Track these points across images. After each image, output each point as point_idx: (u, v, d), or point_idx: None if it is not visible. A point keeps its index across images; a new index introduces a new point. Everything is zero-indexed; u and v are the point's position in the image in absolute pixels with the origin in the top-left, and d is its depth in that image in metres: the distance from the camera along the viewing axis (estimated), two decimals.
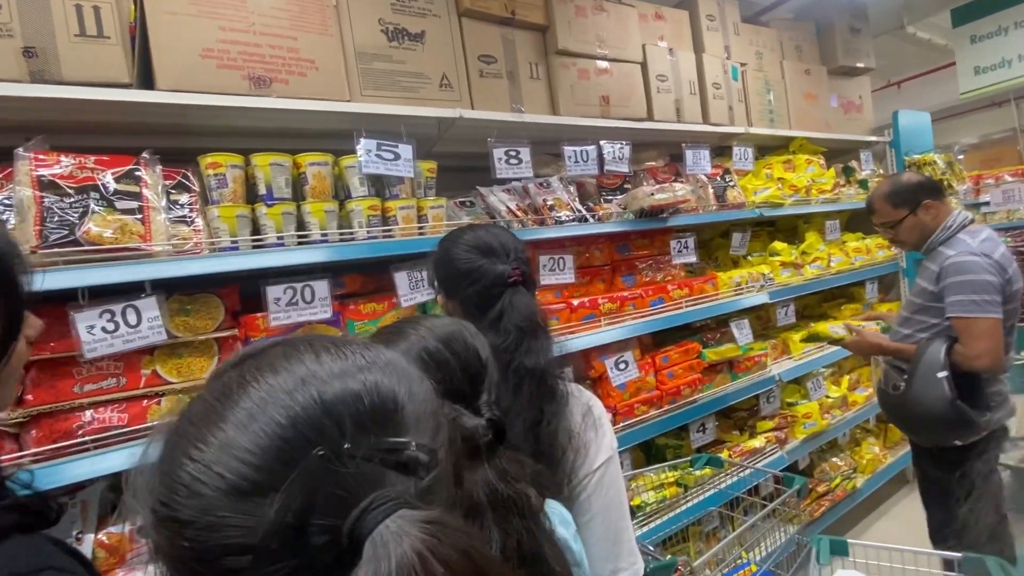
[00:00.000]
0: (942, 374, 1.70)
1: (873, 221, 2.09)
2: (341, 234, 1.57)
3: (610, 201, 2.31)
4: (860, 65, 3.45)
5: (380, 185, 1.69)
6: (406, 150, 1.64)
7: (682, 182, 2.41)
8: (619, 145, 2.19)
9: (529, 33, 2.01)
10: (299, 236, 1.51)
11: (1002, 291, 1.73)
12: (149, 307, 1.27)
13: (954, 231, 1.88)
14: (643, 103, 2.28)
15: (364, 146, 1.58)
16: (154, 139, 1.47)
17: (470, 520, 0.59)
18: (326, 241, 1.53)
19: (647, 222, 2.24)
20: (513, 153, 1.89)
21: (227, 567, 0.32)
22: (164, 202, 1.38)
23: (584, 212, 2.12)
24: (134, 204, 1.31)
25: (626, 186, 2.40)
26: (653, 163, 2.53)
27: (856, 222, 3.62)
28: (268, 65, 1.45)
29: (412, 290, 1.67)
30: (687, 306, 2.35)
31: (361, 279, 1.74)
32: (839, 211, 3.26)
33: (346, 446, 0.34)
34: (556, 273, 2.01)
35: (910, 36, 4.33)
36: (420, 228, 1.70)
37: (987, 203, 6.10)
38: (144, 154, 1.37)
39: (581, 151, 2.08)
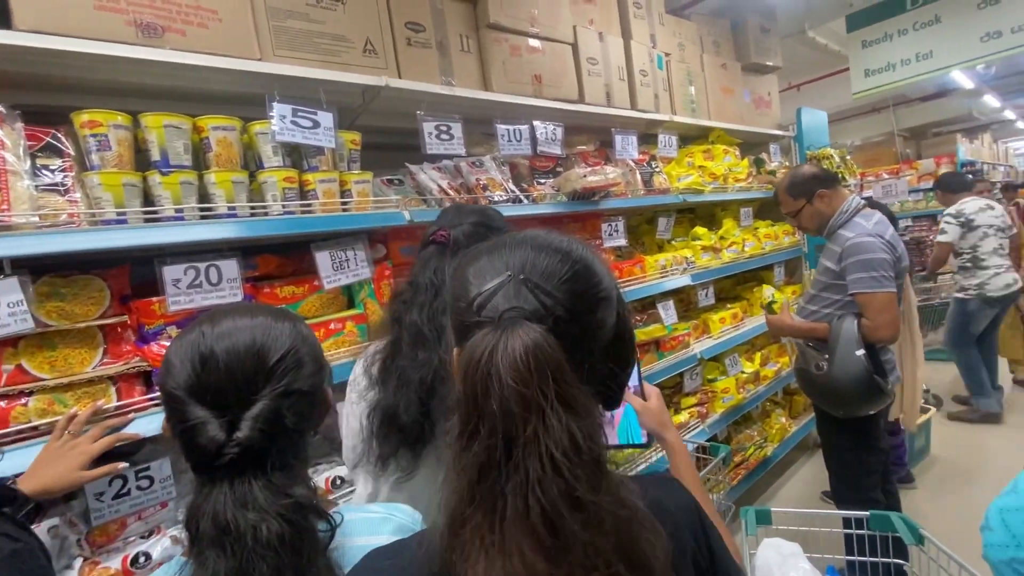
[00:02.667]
0: (860, 352, 1.85)
1: (781, 210, 2.27)
2: (252, 208, 1.41)
3: (543, 183, 2.29)
4: (770, 63, 3.69)
5: (297, 156, 1.54)
6: (326, 118, 1.51)
7: (612, 166, 2.44)
8: (552, 126, 2.17)
9: (460, 4, 1.93)
10: (202, 209, 1.34)
11: (894, 267, 1.91)
12: (9, 290, 1.06)
13: (850, 215, 2.05)
14: (575, 85, 2.27)
15: (278, 111, 1.43)
16: (16, 94, 1.23)
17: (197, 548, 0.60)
18: (235, 216, 1.37)
19: (580, 204, 2.24)
20: (444, 128, 1.80)
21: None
22: (28, 166, 1.16)
23: (518, 193, 2.08)
24: None
25: (558, 170, 2.39)
26: (584, 147, 2.55)
27: (765, 210, 3.89)
28: (159, 11, 1.26)
29: (336, 271, 1.54)
30: None
31: (276, 260, 1.58)
32: (751, 199, 3.47)
33: (523, 277, 0.52)
34: None
35: (810, 40, 4.70)
36: (344, 204, 1.58)
37: (869, 197, 6.84)
38: (0, 107, 1.14)
39: (514, 130, 2.03)
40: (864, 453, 2.05)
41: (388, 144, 2.11)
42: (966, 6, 3.09)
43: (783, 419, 3.62)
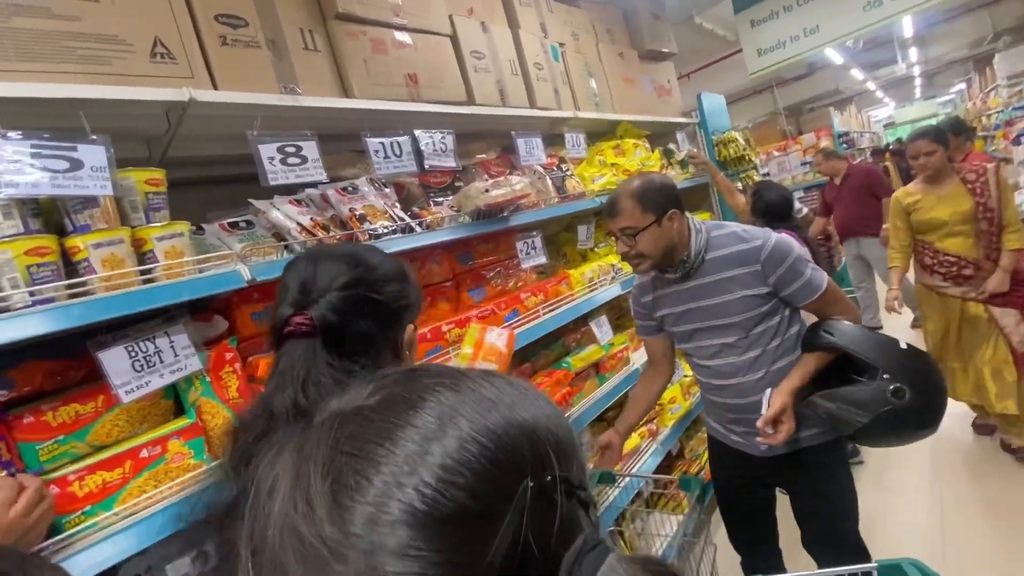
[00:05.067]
0: (904, 343, 1.42)
1: (609, 226, 1.59)
2: None
3: (440, 203, 1.91)
4: (665, 50, 3.56)
5: (55, 214, 1.04)
6: (94, 153, 1.03)
7: (519, 175, 2.11)
8: (440, 135, 1.79)
9: None
10: None
11: None
12: None
13: (708, 233, 1.58)
14: (460, 84, 1.91)
15: (8, 152, 0.94)
16: None
17: None
18: None
19: (486, 224, 1.88)
20: (292, 149, 1.37)
21: None
22: None
23: (408, 220, 1.68)
24: None
25: (458, 184, 2.02)
26: (484, 156, 2.20)
27: None
28: None
29: (142, 372, 1.06)
30: (545, 314, 2.06)
31: (45, 367, 1.07)
32: None
33: (547, 478, 0.29)
34: None
35: (697, 27, 4.71)
36: (146, 273, 1.10)
37: (767, 174, 7.15)
38: None
39: (391, 143, 1.63)
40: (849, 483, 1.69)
41: (230, 177, 1.64)
42: None
43: None
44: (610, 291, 2.43)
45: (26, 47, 1.03)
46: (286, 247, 1.43)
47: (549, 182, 2.29)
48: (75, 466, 0.99)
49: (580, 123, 2.61)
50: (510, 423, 0.29)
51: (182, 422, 1.12)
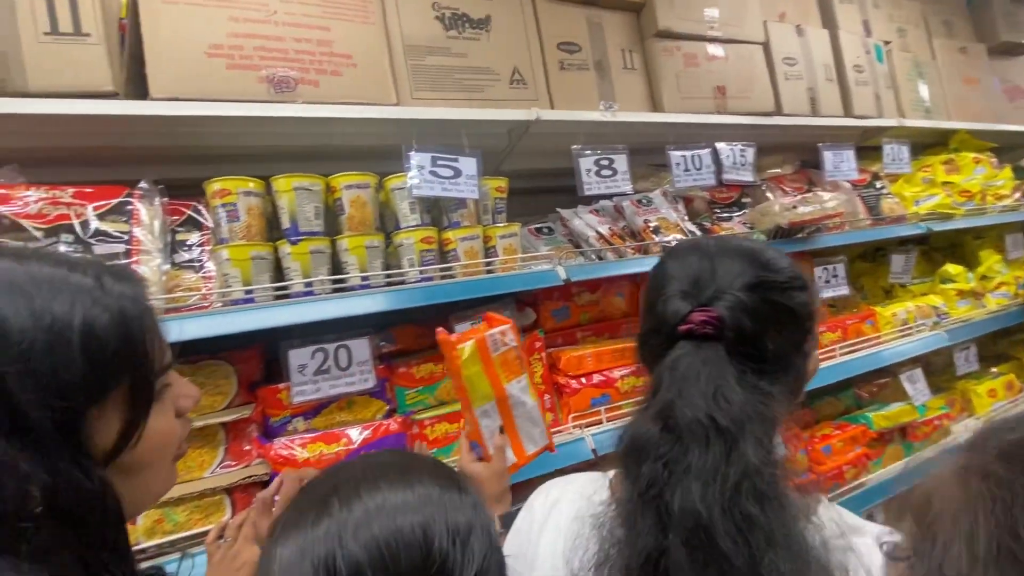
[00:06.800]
0: None
1: None
2: (388, 276, 1.19)
3: (726, 219, 1.80)
4: None
5: (437, 211, 1.31)
6: (468, 164, 1.26)
7: (822, 190, 1.86)
8: (739, 147, 1.70)
9: (620, 14, 1.60)
10: (333, 281, 1.14)
11: None
12: None
13: None
14: (769, 93, 1.78)
15: (417, 161, 1.21)
16: (159, 168, 1.18)
17: None
18: (367, 286, 1.16)
19: (782, 244, 1.70)
20: (605, 162, 1.46)
21: None
22: (164, 242, 1.07)
23: (700, 234, 1.63)
24: (119, 248, 1.00)
25: (744, 200, 1.88)
26: (777, 170, 2.00)
27: None
28: (293, 63, 1.13)
29: None
30: (841, 355, 1.75)
31: (415, 332, 1.34)
32: (1017, 222, 2.51)
33: None
34: None
35: None
36: (488, 265, 1.29)
37: None
38: (142, 183, 1.08)
39: (692, 156, 1.61)
40: None
41: (533, 188, 1.83)
42: None
43: None
44: (929, 340, 1.94)
45: (433, 79, 1.32)
46: (582, 254, 1.53)
47: (859, 201, 1.96)
48: (428, 413, 1.22)
49: (903, 132, 2.17)
50: None
51: None
